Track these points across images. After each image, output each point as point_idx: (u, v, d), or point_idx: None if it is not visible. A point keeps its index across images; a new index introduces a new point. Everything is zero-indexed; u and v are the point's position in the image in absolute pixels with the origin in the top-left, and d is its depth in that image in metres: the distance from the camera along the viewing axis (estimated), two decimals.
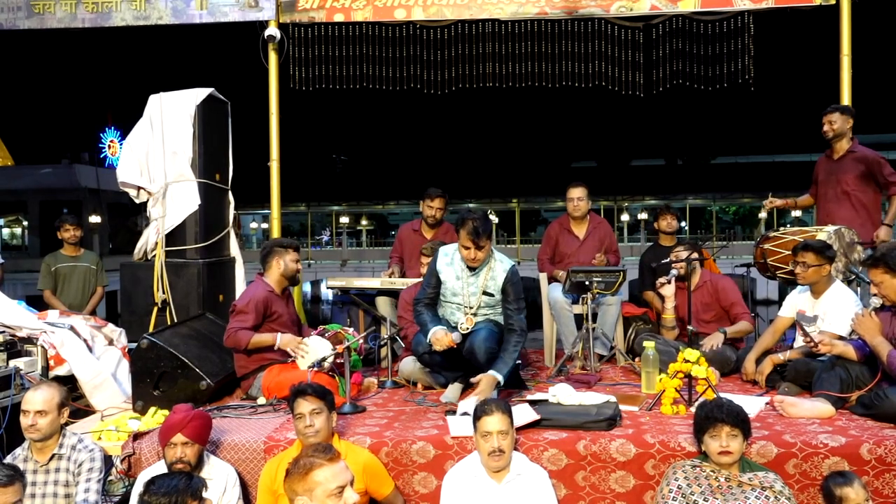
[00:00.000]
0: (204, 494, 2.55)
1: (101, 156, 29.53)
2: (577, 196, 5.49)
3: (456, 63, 6.31)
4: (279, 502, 3.01)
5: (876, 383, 3.58)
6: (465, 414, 3.54)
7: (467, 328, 3.98)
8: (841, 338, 3.90)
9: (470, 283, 4.00)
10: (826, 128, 5.18)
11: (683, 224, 37.71)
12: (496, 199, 41.20)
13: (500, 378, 3.80)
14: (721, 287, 4.88)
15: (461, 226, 3.88)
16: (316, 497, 2.20)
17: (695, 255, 4.87)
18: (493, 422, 2.98)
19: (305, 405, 3.07)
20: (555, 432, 3.38)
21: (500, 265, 4.00)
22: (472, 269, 3.98)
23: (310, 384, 3.20)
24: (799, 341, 4.27)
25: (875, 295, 3.65)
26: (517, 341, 3.92)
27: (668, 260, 4.99)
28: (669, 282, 4.82)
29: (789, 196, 5.65)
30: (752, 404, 3.70)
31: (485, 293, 3.99)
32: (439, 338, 3.84)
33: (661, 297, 4.99)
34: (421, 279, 4.60)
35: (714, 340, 4.56)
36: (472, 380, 3.84)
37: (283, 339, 4.18)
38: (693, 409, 3.30)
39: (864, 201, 5.09)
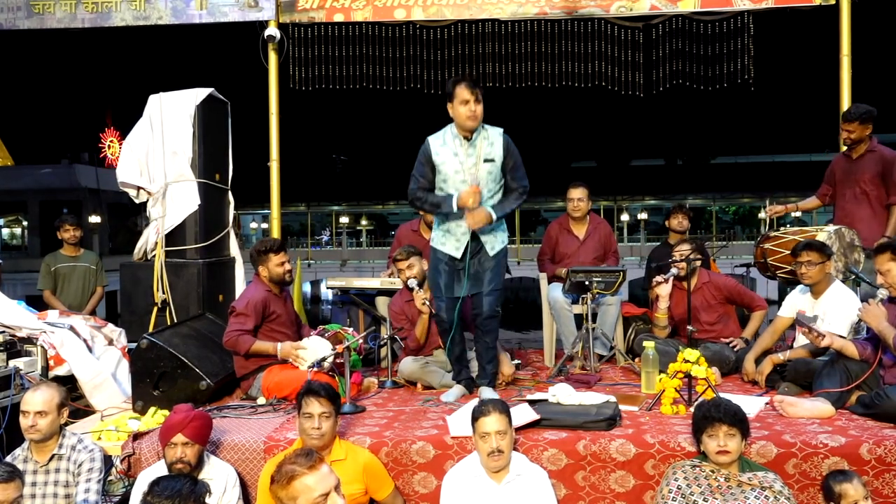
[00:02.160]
0: (207, 500, 2.54)
1: (101, 156, 29.55)
2: (578, 196, 5.48)
3: (456, 63, 6.32)
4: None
5: (874, 375, 3.60)
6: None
7: (474, 205, 3.86)
8: (842, 338, 3.90)
9: (469, 155, 3.94)
10: (844, 136, 5.03)
11: None
12: None
13: (494, 215, 3.90)
14: (726, 286, 4.84)
15: (455, 84, 3.86)
16: None
17: (697, 255, 4.79)
18: (491, 422, 2.97)
19: (317, 406, 3.05)
20: (554, 432, 3.38)
21: (492, 130, 3.99)
22: (468, 140, 3.93)
23: (324, 385, 3.15)
24: (799, 341, 4.27)
25: (881, 285, 3.66)
26: (518, 197, 4.01)
27: (671, 260, 4.91)
28: (667, 280, 4.78)
29: (790, 199, 5.63)
30: (751, 404, 3.70)
31: (486, 160, 3.94)
32: (467, 192, 3.82)
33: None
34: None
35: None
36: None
37: (283, 350, 4.16)
38: (692, 409, 3.29)
39: (881, 202, 4.94)
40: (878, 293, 3.66)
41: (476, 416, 3.03)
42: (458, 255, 4.01)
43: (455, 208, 3.88)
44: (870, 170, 4.96)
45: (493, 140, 3.96)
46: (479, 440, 3.01)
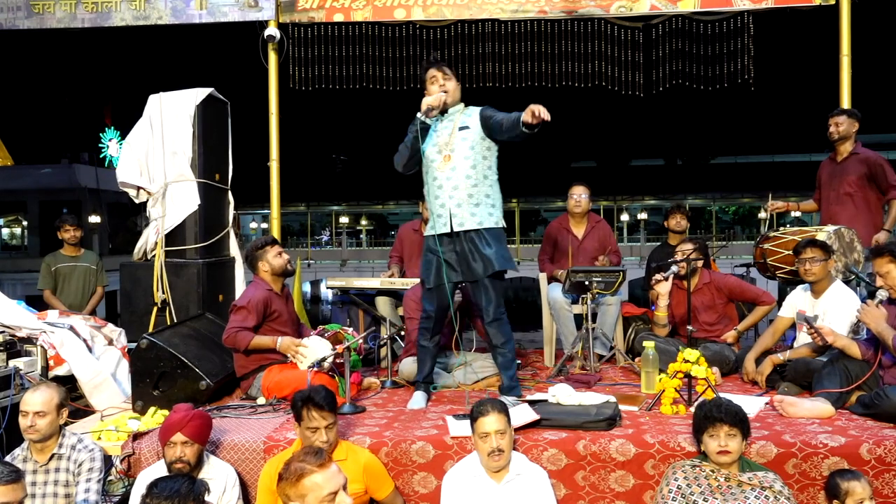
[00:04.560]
0: (206, 499, 2.53)
1: (101, 155, 29.52)
2: (579, 192, 5.50)
3: (456, 63, 6.31)
4: (279, 503, 3.00)
5: (873, 375, 3.61)
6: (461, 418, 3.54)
7: (449, 154, 3.88)
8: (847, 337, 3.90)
9: (445, 127, 3.97)
10: (832, 129, 5.18)
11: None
12: None
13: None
14: (727, 284, 4.83)
15: (423, 71, 3.97)
16: (308, 503, 2.19)
17: (698, 254, 4.76)
18: (491, 422, 2.98)
19: (321, 420, 3.02)
20: (554, 432, 3.38)
21: (473, 108, 4.01)
22: (444, 114, 3.98)
23: (323, 396, 3.06)
24: (799, 341, 4.27)
25: (881, 287, 3.66)
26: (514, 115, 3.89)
27: (672, 260, 4.87)
28: (667, 279, 4.78)
29: (790, 198, 5.66)
30: (751, 404, 3.70)
31: (461, 128, 3.95)
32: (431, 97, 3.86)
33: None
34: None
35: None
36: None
37: (282, 343, 4.16)
38: (692, 409, 3.30)
39: (866, 203, 5.09)
40: (878, 294, 3.67)
41: (475, 416, 3.03)
42: (447, 228, 3.87)
43: (426, 108, 3.84)
44: (855, 171, 5.10)
45: (471, 113, 4.01)
46: (478, 440, 3.02)
